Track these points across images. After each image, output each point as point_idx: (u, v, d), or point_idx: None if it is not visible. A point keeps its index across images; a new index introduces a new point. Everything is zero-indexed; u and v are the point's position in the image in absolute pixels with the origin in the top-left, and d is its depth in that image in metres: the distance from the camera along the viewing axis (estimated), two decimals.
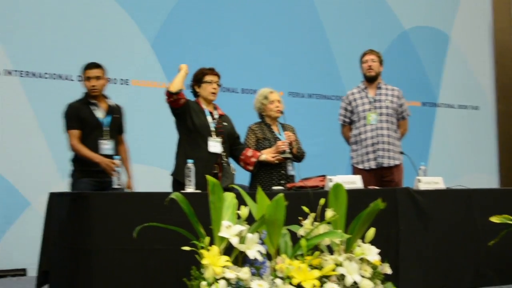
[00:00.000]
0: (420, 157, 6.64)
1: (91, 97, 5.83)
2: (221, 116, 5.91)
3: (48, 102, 7.16)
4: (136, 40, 7.83)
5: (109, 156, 5.62)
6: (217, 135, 5.75)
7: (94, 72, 5.78)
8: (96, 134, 5.74)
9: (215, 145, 5.71)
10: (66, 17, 7.49)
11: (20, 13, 7.25)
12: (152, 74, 7.61)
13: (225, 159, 5.78)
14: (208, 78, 5.80)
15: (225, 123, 5.89)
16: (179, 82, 5.58)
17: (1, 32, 7.12)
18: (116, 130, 5.93)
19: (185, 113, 5.67)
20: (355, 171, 6.57)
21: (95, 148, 5.68)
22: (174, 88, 5.52)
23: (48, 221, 5.06)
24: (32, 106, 6.97)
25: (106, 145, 5.73)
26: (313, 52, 9.10)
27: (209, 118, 5.78)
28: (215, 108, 5.93)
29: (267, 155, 5.87)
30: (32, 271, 5.58)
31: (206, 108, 5.82)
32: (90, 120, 5.75)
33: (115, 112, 5.92)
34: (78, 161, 5.78)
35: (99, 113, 5.80)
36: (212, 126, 5.76)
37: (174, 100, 5.55)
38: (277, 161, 5.91)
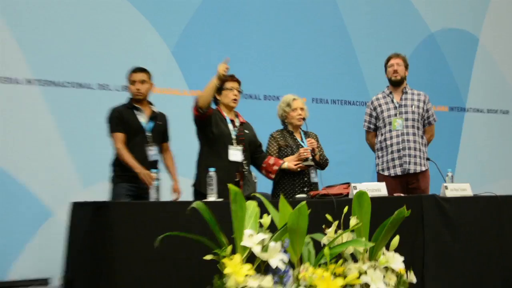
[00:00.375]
0: (447, 164, 6.61)
1: (135, 102, 5.89)
2: (242, 123, 5.93)
3: (69, 110, 7.23)
4: (157, 47, 7.89)
5: (155, 162, 5.76)
6: (238, 143, 5.77)
7: (139, 76, 5.86)
8: (138, 139, 5.81)
9: (235, 154, 5.73)
10: (87, 25, 7.54)
11: (41, 22, 7.31)
12: (173, 81, 7.66)
13: (246, 167, 5.80)
14: (228, 85, 5.82)
15: (246, 131, 5.91)
16: (210, 96, 5.58)
17: (22, 41, 7.19)
18: (160, 137, 5.98)
19: (208, 122, 5.69)
20: (380, 178, 6.56)
21: (140, 153, 5.77)
22: (204, 103, 5.54)
23: (71, 231, 5.13)
24: (53, 115, 7.04)
25: (152, 151, 5.82)
26: (337, 56, 9.08)
27: (230, 126, 5.80)
28: (237, 115, 5.95)
29: (289, 162, 5.88)
30: (55, 280, 5.65)
31: (227, 116, 5.84)
32: (133, 125, 5.81)
33: (158, 119, 5.97)
34: (118, 165, 5.83)
35: (142, 118, 5.87)
36: (233, 134, 5.78)
37: (200, 114, 5.59)
38: (299, 169, 5.91)
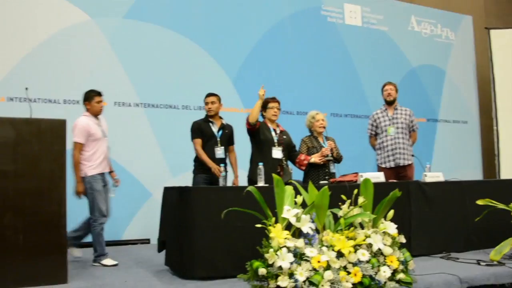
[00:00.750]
0: (426, 158, 6.49)
1: (209, 117, 5.87)
2: (281, 131, 5.90)
3: (163, 124, 7.27)
4: (222, 78, 7.92)
5: (221, 159, 5.71)
6: (279, 145, 5.76)
7: (210, 99, 5.85)
8: (211, 143, 5.77)
9: (277, 153, 5.73)
10: (172, 64, 7.57)
11: (143, 59, 7.39)
12: (233, 102, 7.67)
13: (285, 162, 5.76)
14: (270, 104, 5.84)
15: (284, 136, 5.88)
16: (256, 115, 5.59)
17: (131, 74, 7.25)
18: (226, 142, 5.91)
19: (257, 132, 5.69)
20: (379, 169, 6.49)
21: (212, 153, 5.73)
22: (253, 120, 5.57)
23: (163, 206, 5.15)
24: (152, 128, 7.07)
25: (219, 151, 5.76)
26: (347, 83, 9.03)
27: (273, 133, 5.79)
28: (278, 125, 5.92)
29: (315, 158, 5.87)
30: (154, 240, 5.65)
31: (271, 126, 5.83)
32: (207, 133, 5.80)
33: (226, 128, 5.92)
34: (198, 161, 5.81)
35: (214, 128, 5.83)
36: (275, 139, 5.76)
37: (252, 127, 5.61)
38: (322, 163, 5.89)
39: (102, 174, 5.38)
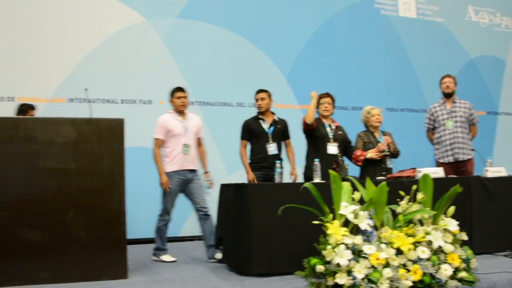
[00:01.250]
0: (486, 153, 6.31)
1: (260, 113, 5.84)
2: (337, 127, 5.82)
3: (218, 122, 7.33)
4: (274, 74, 7.90)
5: (275, 155, 5.65)
6: (334, 141, 5.69)
7: (260, 95, 5.80)
8: (262, 140, 5.72)
9: (332, 148, 5.66)
10: (225, 63, 7.66)
11: (197, 56, 7.49)
12: (286, 99, 7.66)
13: (341, 158, 5.70)
14: (321, 100, 5.78)
15: (340, 132, 5.81)
16: (312, 115, 5.54)
17: (186, 72, 7.34)
18: (280, 137, 5.84)
19: (314, 132, 5.65)
20: (438, 164, 6.35)
21: (264, 150, 5.70)
22: (309, 121, 5.54)
23: (220, 203, 5.19)
24: (207, 126, 7.12)
25: (271, 147, 5.72)
26: (403, 77, 8.87)
27: (328, 129, 5.73)
28: (333, 121, 5.85)
29: (371, 154, 5.77)
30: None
31: (326, 122, 5.77)
32: (258, 130, 5.75)
33: (278, 124, 5.83)
34: (253, 158, 5.78)
35: (265, 125, 5.77)
36: (330, 135, 5.70)
37: (309, 128, 5.58)
38: (379, 158, 5.79)
39: (180, 172, 5.40)
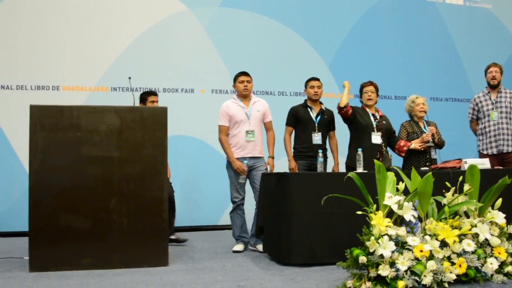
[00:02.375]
0: None
1: (311, 101, 5.74)
2: (381, 116, 5.72)
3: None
4: (317, 63, 7.85)
5: (319, 145, 5.58)
6: (378, 131, 5.58)
7: (317, 83, 5.72)
8: (308, 128, 5.64)
9: (376, 138, 5.55)
10: (267, 49, 7.65)
11: (239, 45, 7.50)
12: (329, 88, 7.56)
13: (384, 148, 5.60)
14: (365, 89, 5.69)
15: (384, 122, 5.70)
16: (345, 99, 5.45)
17: (228, 61, 7.38)
18: (326, 127, 5.76)
19: (353, 118, 5.56)
20: (481, 156, 6.19)
21: (309, 138, 5.61)
22: (342, 104, 5.46)
23: (261, 193, 5.19)
24: None
25: (316, 137, 5.63)
26: (448, 66, 8.63)
27: (371, 118, 5.62)
28: (377, 110, 5.74)
29: (415, 144, 5.68)
30: (250, 226, 5.72)
31: (369, 111, 5.67)
32: (305, 118, 5.67)
33: (325, 114, 5.75)
34: (297, 147, 5.71)
35: (313, 114, 5.68)
36: (374, 124, 5.59)
37: (343, 112, 5.49)
38: (422, 149, 5.69)
39: (241, 159, 5.39)
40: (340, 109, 5.50)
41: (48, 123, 4.39)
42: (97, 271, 4.26)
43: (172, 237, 5.51)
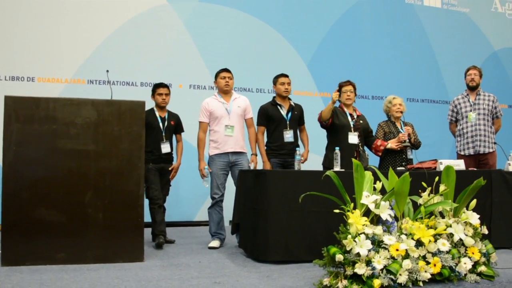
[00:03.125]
0: (507, 147, 6.20)
1: (281, 98, 5.71)
2: (358, 116, 5.76)
3: None
4: (295, 61, 7.87)
5: (291, 143, 5.58)
6: (355, 130, 5.62)
7: (287, 80, 5.70)
8: (280, 127, 5.62)
9: (353, 138, 5.58)
10: (246, 46, 7.67)
11: (218, 41, 7.48)
12: (307, 86, 7.60)
13: (361, 148, 5.63)
14: (344, 89, 5.69)
15: (361, 121, 5.73)
16: (328, 114, 5.44)
17: (206, 57, 7.31)
18: (297, 123, 5.75)
19: (330, 127, 5.59)
20: (458, 156, 6.30)
21: (281, 137, 5.59)
22: (324, 118, 5.47)
23: (238, 190, 5.18)
24: None
25: (287, 134, 5.62)
26: (425, 68, 8.76)
27: (349, 118, 5.65)
28: (354, 110, 5.77)
29: (392, 144, 5.73)
30: (228, 223, 5.72)
31: (347, 111, 5.69)
32: (276, 117, 5.64)
33: (295, 110, 5.72)
34: (270, 145, 5.68)
35: (283, 111, 5.65)
36: (352, 124, 5.63)
37: (324, 125, 5.54)
38: (399, 148, 5.75)
39: (222, 155, 5.38)
40: (321, 122, 5.53)
41: (23, 115, 4.31)
42: (72, 266, 4.21)
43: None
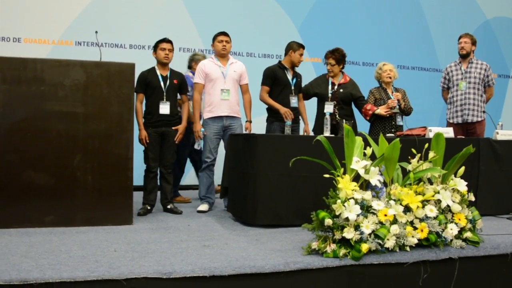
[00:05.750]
0: (495, 116, 6.27)
1: (287, 64, 5.69)
2: (341, 84, 5.77)
3: None
4: (286, 26, 7.80)
5: (295, 108, 5.62)
6: (332, 100, 5.68)
7: (302, 51, 5.67)
8: (287, 91, 5.63)
9: (329, 107, 5.65)
10: (238, 9, 7.59)
11: (209, 4, 7.34)
12: None
13: (339, 117, 5.58)
14: (327, 61, 5.77)
15: (341, 90, 5.74)
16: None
17: (197, 20, 7.25)
18: (298, 91, 5.77)
19: (313, 92, 5.80)
20: (448, 124, 6.34)
21: (287, 101, 5.58)
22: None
23: (228, 153, 5.19)
24: None
25: (293, 100, 5.63)
26: (417, 35, 8.72)
27: (329, 87, 5.73)
28: (343, 77, 5.82)
29: (381, 110, 5.77)
30: (215, 186, 5.74)
31: (331, 80, 5.77)
32: (283, 80, 5.62)
33: (298, 77, 5.75)
34: (271, 110, 5.67)
35: (289, 76, 5.66)
36: (329, 93, 5.71)
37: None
38: (388, 115, 5.78)
39: (216, 119, 5.36)
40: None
41: (10, 76, 4.26)
42: (60, 228, 4.22)
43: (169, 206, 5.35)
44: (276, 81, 5.63)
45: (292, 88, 5.66)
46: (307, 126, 5.89)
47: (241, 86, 5.57)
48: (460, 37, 6.37)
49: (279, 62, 5.78)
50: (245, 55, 7.45)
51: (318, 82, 5.83)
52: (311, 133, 5.82)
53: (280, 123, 5.55)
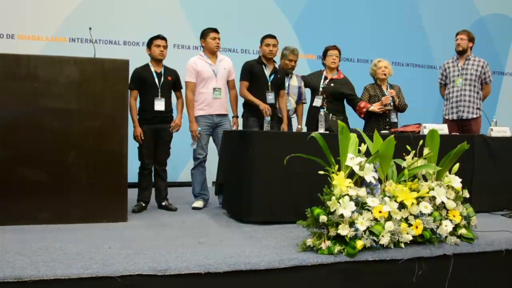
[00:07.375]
0: (489, 113, 6.26)
1: (266, 59, 5.63)
2: (334, 79, 5.84)
3: None
4: (281, 22, 7.80)
5: (271, 105, 5.53)
6: (321, 94, 5.77)
7: (273, 41, 5.60)
8: (262, 87, 5.57)
9: (317, 101, 5.75)
10: (231, 6, 7.61)
11: (202, 1, 7.31)
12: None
13: (326, 111, 5.42)
14: (329, 52, 5.85)
15: (332, 84, 5.81)
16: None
17: (191, 17, 7.24)
18: (278, 87, 5.70)
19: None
20: (444, 121, 6.36)
21: (263, 97, 5.52)
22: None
23: (222, 150, 5.19)
24: None
25: (269, 96, 5.58)
26: (411, 32, 8.71)
27: (321, 81, 5.83)
28: (338, 72, 5.90)
29: (375, 107, 5.78)
30: (210, 184, 5.74)
31: (325, 74, 5.86)
32: (260, 76, 5.58)
33: (278, 73, 5.68)
34: (247, 105, 5.65)
35: (267, 72, 5.61)
36: (321, 87, 5.79)
37: None
38: (382, 112, 5.80)
39: (207, 117, 5.36)
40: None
41: (3, 72, 4.24)
42: (55, 225, 4.21)
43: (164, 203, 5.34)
44: (253, 76, 5.60)
45: (269, 84, 5.60)
46: (285, 124, 5.76)
47: (228, 81, 5.57)
48: (457, 34, 6.38)
49: (259, 57, 5.74)
50: (239, 52, 7.45)
51: (314, 75, 5.97)
52: (304, 129, 5.83)
53: (256, 119, 5.53)
